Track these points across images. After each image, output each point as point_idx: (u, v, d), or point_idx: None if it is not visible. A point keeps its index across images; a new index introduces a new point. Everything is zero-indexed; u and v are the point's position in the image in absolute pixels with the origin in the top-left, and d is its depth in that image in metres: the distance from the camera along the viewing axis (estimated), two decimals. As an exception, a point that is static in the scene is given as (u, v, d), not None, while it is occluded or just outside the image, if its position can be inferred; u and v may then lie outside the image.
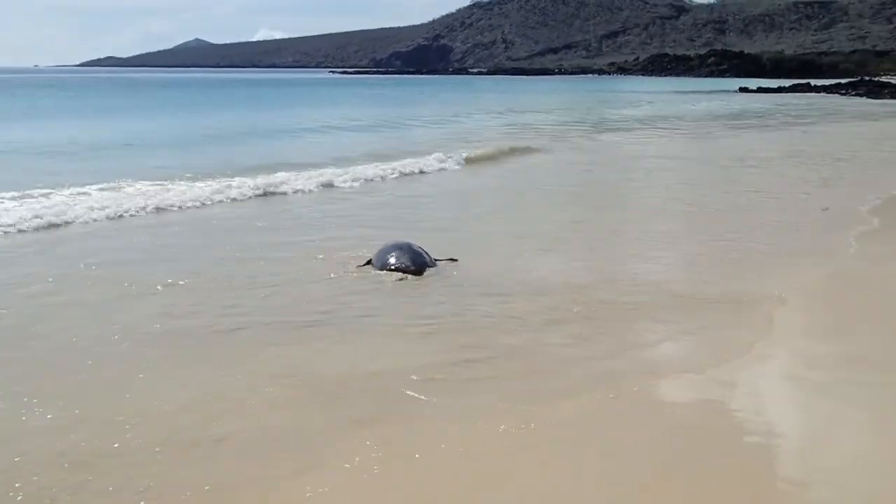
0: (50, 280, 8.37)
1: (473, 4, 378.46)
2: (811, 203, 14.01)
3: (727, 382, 5.87)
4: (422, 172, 18.16)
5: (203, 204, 13.31)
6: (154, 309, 7.45)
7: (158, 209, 12.65)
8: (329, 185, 15.57)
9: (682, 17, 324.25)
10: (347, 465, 4.64)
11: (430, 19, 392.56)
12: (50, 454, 4.71)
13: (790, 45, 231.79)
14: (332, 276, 8.75)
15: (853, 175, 18.32)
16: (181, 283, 8.33)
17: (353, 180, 16.11)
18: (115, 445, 4.82)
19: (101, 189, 13.69)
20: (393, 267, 8.81)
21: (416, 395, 5.63)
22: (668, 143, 27.87)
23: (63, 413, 5.26)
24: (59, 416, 5.21)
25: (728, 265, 9.52)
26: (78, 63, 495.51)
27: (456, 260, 9.38)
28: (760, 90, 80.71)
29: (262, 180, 15.00)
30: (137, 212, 12.31)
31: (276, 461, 4.70)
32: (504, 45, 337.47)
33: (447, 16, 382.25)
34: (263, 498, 4.36)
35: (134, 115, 39.97)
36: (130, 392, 5.60)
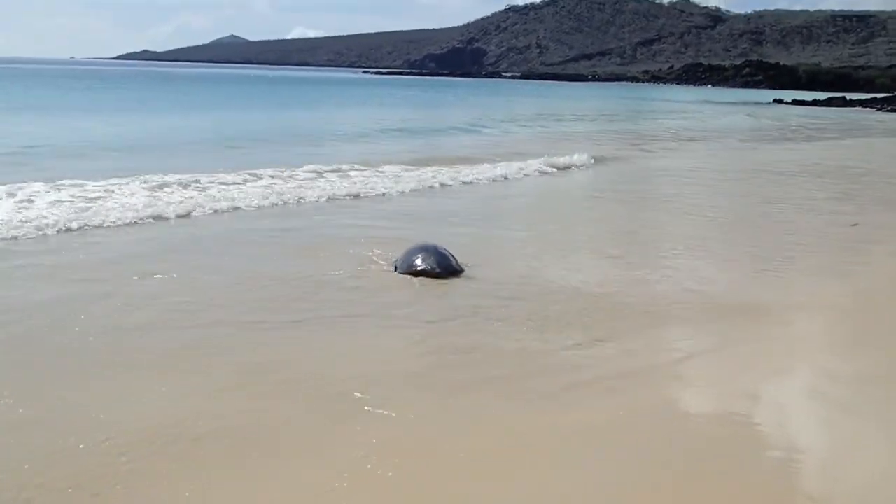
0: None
1: (509, 8, 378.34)
2: (842, 217, 13.83)
3: (749, 395, 5.80)
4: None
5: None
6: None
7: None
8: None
9: (718, 27, 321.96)
10: (346, 464, 4.65)
11: (465, 22, 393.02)
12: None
13: (827, 57, 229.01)
14: (345, 275, 8.78)
15: (886, 192, 18.11)
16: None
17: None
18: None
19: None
20: (419, 269, 8.78)
21: (422, 396, 5.65)
22: (709, 155, 27.52)
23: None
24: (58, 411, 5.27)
25: (754, 277, 9.43)
26: (114, 56, 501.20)
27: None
28: (795, 102, 79.98)
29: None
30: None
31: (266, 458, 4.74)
32: (538, 50, 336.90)
33: (482, 19, 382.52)
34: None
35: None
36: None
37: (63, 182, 12.86)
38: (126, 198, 12.27)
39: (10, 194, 11.81)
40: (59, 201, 11.61)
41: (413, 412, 5.34)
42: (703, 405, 5.70)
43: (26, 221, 10.25)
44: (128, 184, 13.26)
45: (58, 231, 10.13)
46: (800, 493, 4.53)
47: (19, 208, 11.02)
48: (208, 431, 4.94)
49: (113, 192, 12.64)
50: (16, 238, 9.67)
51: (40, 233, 9.94)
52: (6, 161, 16.51)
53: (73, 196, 12.04)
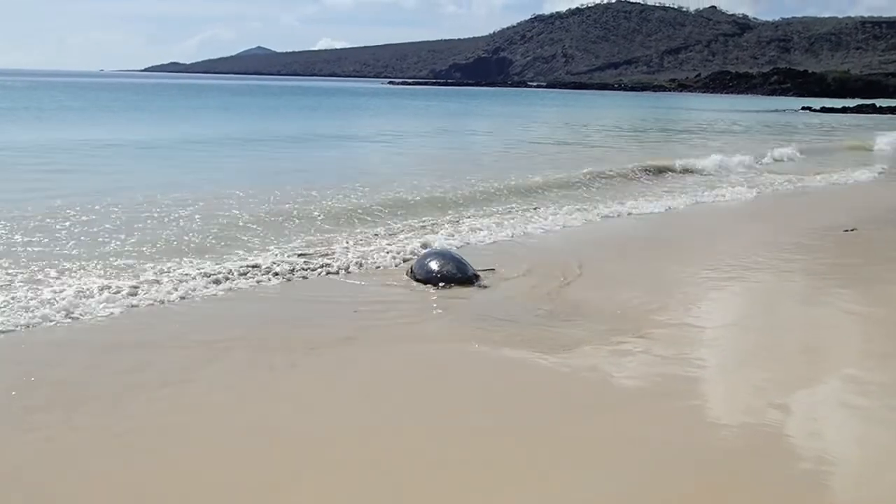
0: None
1: (534, 18, 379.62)
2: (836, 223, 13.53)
3: (778, 406, 5.64)
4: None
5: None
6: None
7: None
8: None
9: (745, 35, 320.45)
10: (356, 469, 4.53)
11: (491, 32, 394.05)
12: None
13: (857, 64, 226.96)
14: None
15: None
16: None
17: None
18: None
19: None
20: (437, 275, 8.66)
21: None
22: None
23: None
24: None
25: (775, 288, 9.24)
26: (143, 68, 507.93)
27: (493, 269, 9.25)
28: (824, 110, 79.20)
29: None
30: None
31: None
32: (564, 59, 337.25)
33: (508, 28, 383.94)
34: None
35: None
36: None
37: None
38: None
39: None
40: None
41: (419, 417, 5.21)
42: (734, 416, 5.55)
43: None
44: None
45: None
46: (830, 507, 4.36)
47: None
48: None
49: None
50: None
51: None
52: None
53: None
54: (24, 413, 5.26)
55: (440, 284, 8.53)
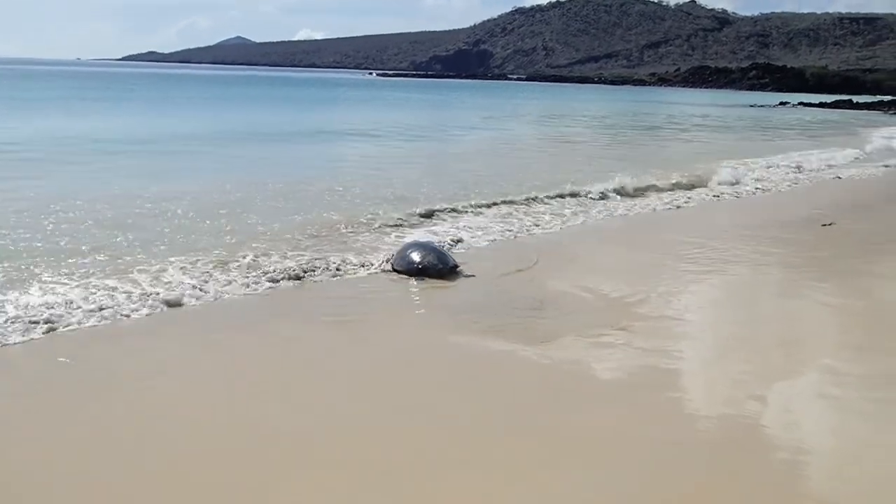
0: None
1: (515, 10, 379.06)
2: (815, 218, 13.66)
3: (757, 397, 5.69)
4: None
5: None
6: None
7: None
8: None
9: (724, 30, 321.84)
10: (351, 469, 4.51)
11: (471, 24, 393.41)
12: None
13: (834, 60, 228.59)
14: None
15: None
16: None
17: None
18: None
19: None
20: (419, 266, 8.62)
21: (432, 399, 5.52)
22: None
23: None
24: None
25: (754, 280, 9.30)
26: (120, 57, 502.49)
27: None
28: (802, 105, 79.72)
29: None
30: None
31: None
32: (544, 52, 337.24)
33: (488, 21, 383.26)
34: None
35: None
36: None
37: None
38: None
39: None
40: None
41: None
42: (712, 408, 5.60)
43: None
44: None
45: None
46: (807, 496, 4.43)
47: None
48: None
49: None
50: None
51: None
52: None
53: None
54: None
55: (421, 276, 8.50)
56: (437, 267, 8.61)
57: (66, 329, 6.53)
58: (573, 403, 5.62)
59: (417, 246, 9.02)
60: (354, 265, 8.97)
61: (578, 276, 9.09)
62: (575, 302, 7.99)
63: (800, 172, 21.26)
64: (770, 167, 21.71)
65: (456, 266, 8.83)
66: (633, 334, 7.01)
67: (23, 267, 8.05)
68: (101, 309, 6.88)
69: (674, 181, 17.07)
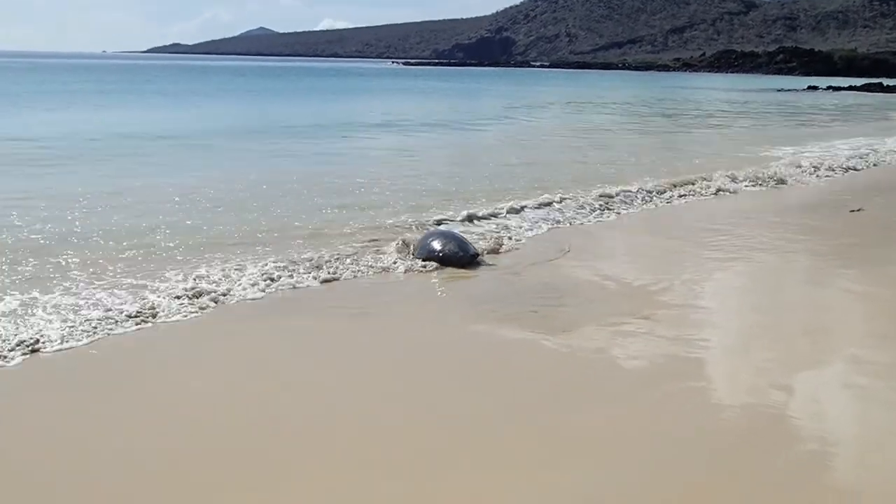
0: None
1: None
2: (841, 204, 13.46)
3: (781, 387, 5.63)
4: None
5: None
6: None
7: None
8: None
9: (751, 13, 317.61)
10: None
11: (494, 11, 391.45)
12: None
13: (864, 43, 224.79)
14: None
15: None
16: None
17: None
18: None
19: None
20: (439, 254, 8.62)
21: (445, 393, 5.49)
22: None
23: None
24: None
25: (780, 269, 9.20)
26: (144, 49, 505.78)
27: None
28: (831, 89, 78.61)
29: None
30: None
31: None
32: (568, 39, 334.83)
33: (511, 8, 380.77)
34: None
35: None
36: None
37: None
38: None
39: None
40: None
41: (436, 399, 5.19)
42: (737, 397, 5.54)
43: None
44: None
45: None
46: (831, 487, 4.38)
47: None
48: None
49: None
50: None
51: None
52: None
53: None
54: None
55: (442, 264, 8.50)
56: (458, 255, 8.60)
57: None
58: (594, 393, 5.60)
59: (438, 234, 9.02)
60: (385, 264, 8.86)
61: (601, 264, 9.03)
62: (597, 291, 7.94)
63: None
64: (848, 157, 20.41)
65: (477, 254, 8.81)
66: (655, 323, 6.96)
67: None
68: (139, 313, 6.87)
69: (720, 175, 15.61)
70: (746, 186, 15.28)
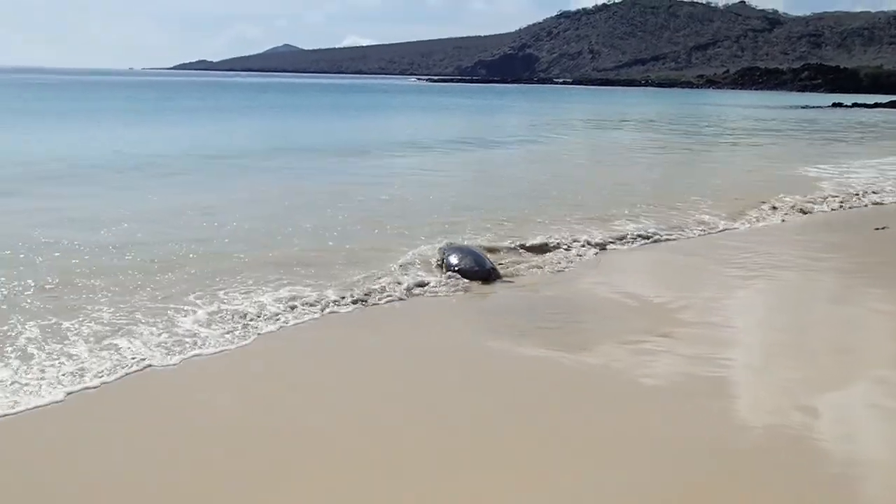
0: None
1: (561, 14, 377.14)
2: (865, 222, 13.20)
3: (806, 408, 5.49)
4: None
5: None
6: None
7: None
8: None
9: (775, 30, 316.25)
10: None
11: (517, 28, 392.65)
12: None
13: (890, 60, 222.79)
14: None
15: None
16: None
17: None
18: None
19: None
20: (456, 268, 8.61)
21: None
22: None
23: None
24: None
25: (803, 287, 9.04)
26: (172, 66, 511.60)
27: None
28: (856, 106, 77.90)
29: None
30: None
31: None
32: (590, 56, 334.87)
33: (533, 25, 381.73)
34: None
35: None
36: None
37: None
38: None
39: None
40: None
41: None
42: (762, 417, 5.41)
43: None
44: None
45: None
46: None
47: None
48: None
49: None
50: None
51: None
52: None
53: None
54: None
55: (458, 277, 8.47)
56: (474, 270, 8.57)
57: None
58: (610, 409, 5.48)
59: (456, 249, 9.03)
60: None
61: (620, 280, 8.91)
62: (615, 308, 7.83)
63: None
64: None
65: (494, 269, 8.75)
66: (675, 341, 6.84)
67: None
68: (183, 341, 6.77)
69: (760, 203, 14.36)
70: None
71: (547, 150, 27.10)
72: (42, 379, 5.64)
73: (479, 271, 8.60)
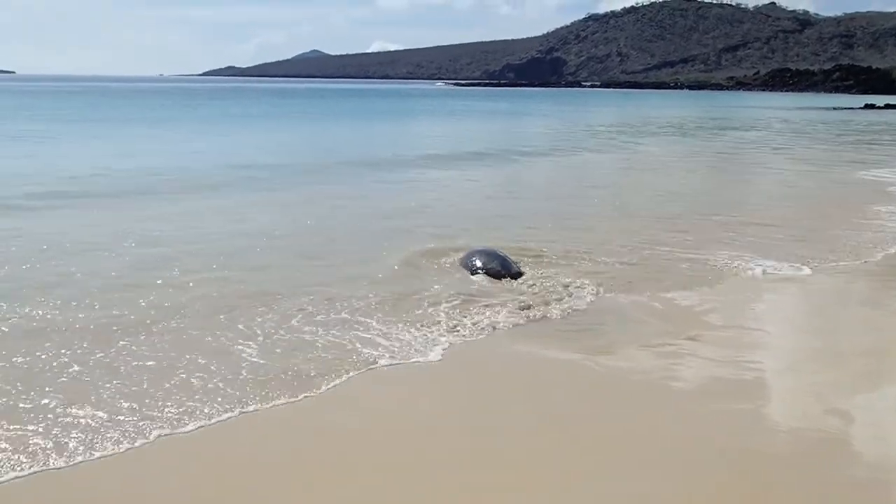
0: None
1: (589, 17, 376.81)
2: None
3: (836, 411, 5.41)
4: None
5: None
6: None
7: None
8: None
9: (806, 31, 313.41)
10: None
11: (545, 32, 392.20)
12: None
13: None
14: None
15: None
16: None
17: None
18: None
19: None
20: (482, 270, 8.63)
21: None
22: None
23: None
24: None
25: (835, 290, 8.91)
26: (200, 72, 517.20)
27: None
28: (889, 107, 76.91)
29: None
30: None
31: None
32: (619, 59, 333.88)
33: (561, 28, 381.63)
34: None
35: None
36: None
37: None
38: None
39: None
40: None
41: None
42: (795, 421, 5.35)
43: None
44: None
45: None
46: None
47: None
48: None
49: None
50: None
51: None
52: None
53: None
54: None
55: (484, 279, 8.48)
56: (500, 273, 8.58)
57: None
58: (643, 415, 5.43)
59: (481, 252, 9.05)
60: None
61: (646, 284, 8.80)
62: (641, 310, 7.74)
63: None
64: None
65: (520, 273, 8.73)
66: (702, 344, 6.77)
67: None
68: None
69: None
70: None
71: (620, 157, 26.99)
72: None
73: (504, 273, 8.60)
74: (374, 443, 4.91)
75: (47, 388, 5.45)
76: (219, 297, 7.71)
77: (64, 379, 5.64)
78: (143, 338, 6.52)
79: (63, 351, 6.17)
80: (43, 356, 6.04)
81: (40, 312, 7.06)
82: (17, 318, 6.90)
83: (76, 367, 5.85)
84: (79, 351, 6.18)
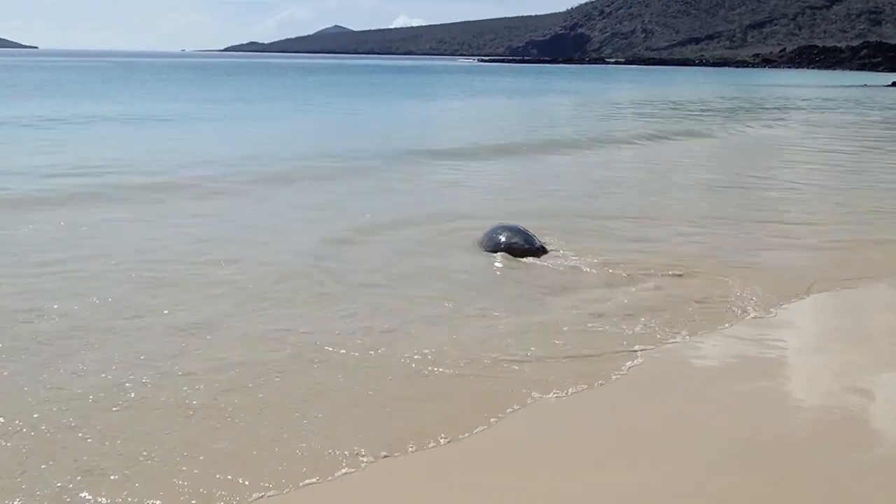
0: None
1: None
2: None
3: (860, 390, 5.38)
4: None
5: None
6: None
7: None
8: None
9: (834, 7, 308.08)
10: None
11: (568, 8, 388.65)
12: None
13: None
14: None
15: None
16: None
17: None
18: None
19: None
20: (504, 246, 8.59)
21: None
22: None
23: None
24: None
25: (861, 263, 8.83)
26: (222, 48, 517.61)
27: None
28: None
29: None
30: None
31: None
32: (643, 35, 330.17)
33: (586, 4, 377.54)
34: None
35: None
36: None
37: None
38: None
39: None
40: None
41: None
42: (815, 398, 5.35)
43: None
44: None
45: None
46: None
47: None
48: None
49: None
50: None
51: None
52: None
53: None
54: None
55: (506, 253, 8.47)
56: (524, 247, 8.56)
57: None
58: (662, 394, 5.42)
59: (504, 228, 9.02)
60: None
61: (670, 264, 8.73)
62: (665, 291, 7.70)
63: None
64: None
65: (543, 248, 8.71)
66: (727, 325, 6.73)
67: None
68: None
69: None
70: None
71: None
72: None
73: (529, 249, 8.58)
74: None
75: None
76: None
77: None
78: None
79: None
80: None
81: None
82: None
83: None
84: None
